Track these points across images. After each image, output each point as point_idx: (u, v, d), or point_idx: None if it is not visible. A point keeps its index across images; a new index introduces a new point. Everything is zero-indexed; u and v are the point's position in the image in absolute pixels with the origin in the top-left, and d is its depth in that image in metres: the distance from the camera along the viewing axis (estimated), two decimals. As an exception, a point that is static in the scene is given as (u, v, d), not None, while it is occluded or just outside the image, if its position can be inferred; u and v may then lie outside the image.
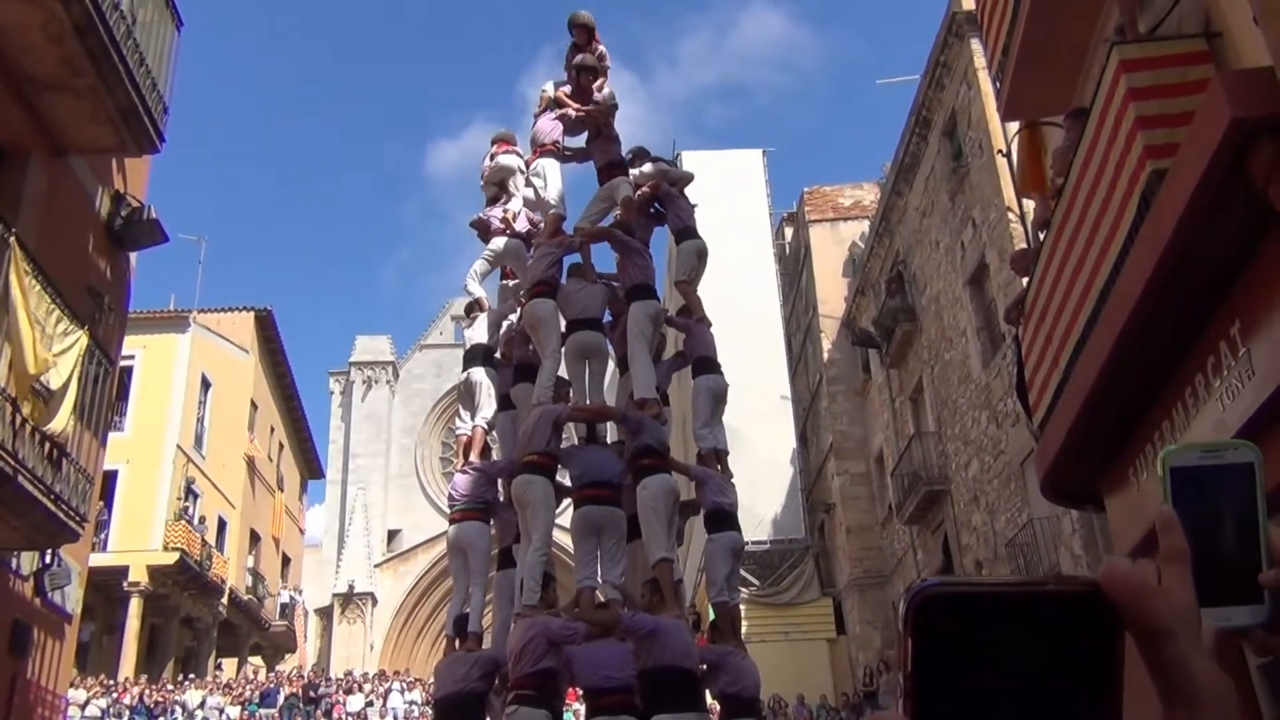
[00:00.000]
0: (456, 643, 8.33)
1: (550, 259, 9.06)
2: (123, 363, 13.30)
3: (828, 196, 28.05)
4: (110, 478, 22.97)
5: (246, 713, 23.55)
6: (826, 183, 28.44)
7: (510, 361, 9.70)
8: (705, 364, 9.21)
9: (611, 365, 9.44)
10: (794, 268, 29.93)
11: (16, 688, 9.14)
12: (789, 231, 30.91)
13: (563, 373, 8.82)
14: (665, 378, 9.44)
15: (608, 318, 9.44)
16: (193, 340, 28.03)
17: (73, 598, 10.27)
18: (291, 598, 34.86)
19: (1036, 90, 8.16)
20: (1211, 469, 0.78)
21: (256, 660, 32.92)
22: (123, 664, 24.88)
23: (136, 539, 25.02)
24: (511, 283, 10.20)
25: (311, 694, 24.60)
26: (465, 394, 9.64)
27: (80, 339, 8.76)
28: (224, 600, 28.82)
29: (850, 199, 27.84)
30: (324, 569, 41.64)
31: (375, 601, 40.35)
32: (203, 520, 27.54)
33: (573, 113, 10.01)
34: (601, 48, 10.47)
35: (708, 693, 7.92)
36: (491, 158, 10.51)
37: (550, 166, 9.79)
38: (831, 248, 27.46)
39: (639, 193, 9.69)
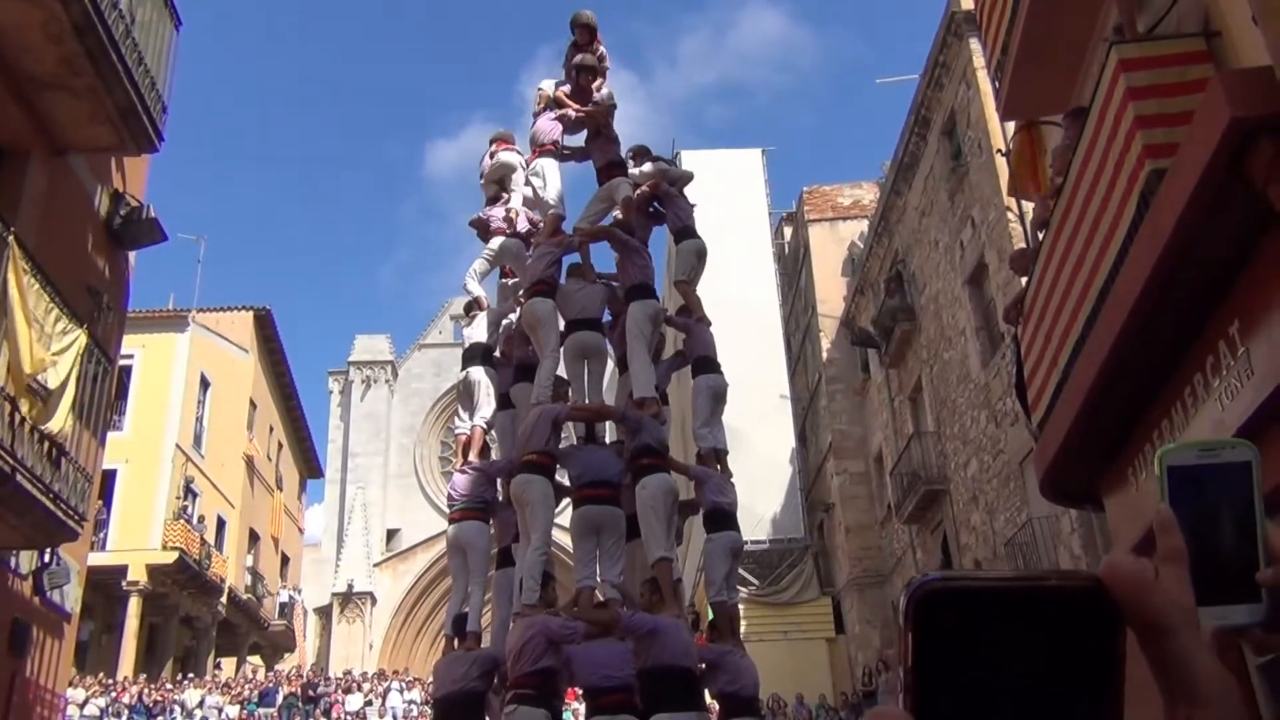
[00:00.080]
0: (455, 642, 8.32)
1: (550, 258, 9.06)
2: (122, 362, 13.29)
3: (827, 196, 28.05)
4: (109, 477, 22.95)
5: (245, 712, 23.54)
6: (826, 182, 28.49)
7: (510, 360, 9.70)
8: (705, 363, 9.21)
9: (611, 365, 9.44)
10: (793, 267, 29.93)
11: (15, 687, 9.14)
12: (788, 231, 30.91)
13: (562, 372, 8.82)
14: (664, 377, 9.44)
15: (607, 317, 9.44)
16: (192, 339, 28.02)
17: (72, 597, 10.26)
18: (291, 597, 34.86)
19: (1035, 89, 8.16)
20: (1209, 468, 0.78)
21: (255, 659, 32.91)
22: (122, 663, 24.87)
23: (135, 538, 25.02)
24: (511, 281, 10.20)
25: (310, 693, 24.59)
26: (464, 393, 9.64)
27: (79, 338, 8.75)
28: (223, 599, 28.82)
29: (849, 198, 27.84)
30: (323, 568, 41.65)
31: (374, 601, 40.35)
32: (202, 519, 27.53)
33: (572, 113, 10.01)
34: (602, 49, 10.48)
35: (707, 692, 7.93)
36: (491, 156, 10.50)
37: (550, 166, 9.79)
38: (831, 247, 27.46)
39: (638, 192, 9.69)
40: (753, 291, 27.26)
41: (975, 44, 16.46)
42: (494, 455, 9.69)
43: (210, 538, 27.79)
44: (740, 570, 10.17)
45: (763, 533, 25.12)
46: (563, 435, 8.60)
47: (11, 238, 7.86)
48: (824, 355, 26.83)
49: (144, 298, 34.31)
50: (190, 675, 25.78)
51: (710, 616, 8.54)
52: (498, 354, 9.85)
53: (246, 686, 25.08)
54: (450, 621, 8.56)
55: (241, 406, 30.84)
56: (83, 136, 9.39)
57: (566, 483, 8.42)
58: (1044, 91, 8.13)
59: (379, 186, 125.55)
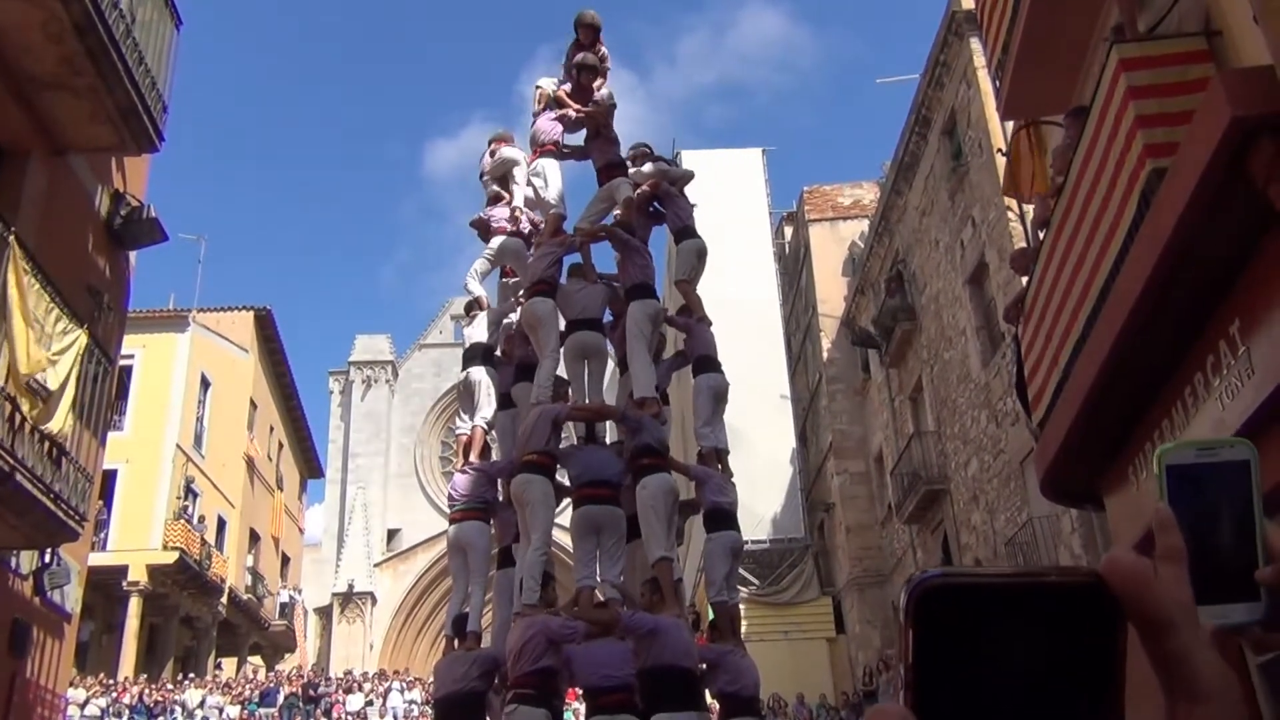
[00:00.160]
0: (456, 642, 8.32)
1: (551, 258, 9.05)
2: (122, 362, 13.29)
3: (827, 196, 28.05)
4: (110, 477, 22.95)
5: (246, 712, 23.54)
6: (826, 182, 28.48)
7: (511, 360, 9.69)
8: (706, 363, 9.21)
9: (611, 365, 9.44)
10: (794, 267, 29.92)
11: (16, 687, 9.14)
12: (789, 231, 30.90)
13: (562, 372, 8.82)
14: (665, 377, 9.43)
15: (608, 317, 9.43)
16: (192, 339, 28.02)
17: (72, 597, 10.26)
18: (291, 597, 34.86)
19: (1036, 89, 8.16)
20: (1207, 467, 0.78)
21: (256, 660, 32.92)
22: (122, 663, 24.87)
23: (136, 538, 25.02)
24: (511, 281, 10.19)
25: (311, 693, 24.59)
26: (465, 393, 9.63)
27: (79, 338, 8.75)
28: (223, 600, 28.82)
29: (850, 198, 27.83)
30: (323, 568, 41.65)
31: (375, 601, 40.34)
32: (202, 520, 27.53)
33: (573, 113, 10.00)
34: (604, 49, 10.47)
35: (707, 692, 7.93)
36: (492, 154, 10.49)
37: (550, 166, 9.78)
38: (831, 247, 27.46)
39: (638, 192, 9.69)
40: (753, 291, 27.26)
41: (976, 43, 16.46)
42: (494, 455, 9.69)
43: (210, 538, 27.79)
44: (740, 570, 10.16)
45: (763, 533, 25.12)
46: (563, 435, 8.60)
47: (12, 238, 7.86)
48: (824, 355, 26.83)
49: (144, 298, 34.37)
50: (191, 675, 25.78)
51: (711, 616, 8.54)
52: (498, 354, 9.84)
53: (247, 687, 25.09)
54: (451, 622, 8.56)
55: (242, 406, 30.84)
56: (83, 136, 9.39)
57: (567, 483, 8.42)
58: (1045, 91, 8.13)
59: (379, 186, 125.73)
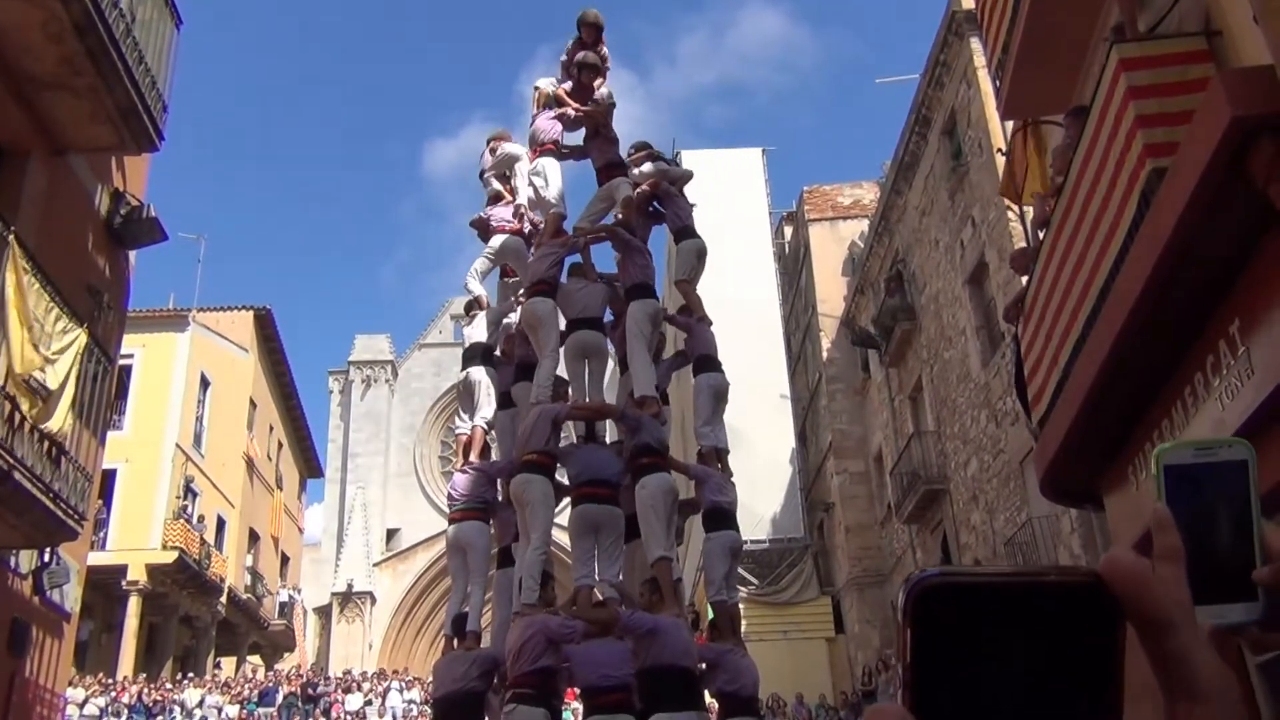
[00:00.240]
0: (455, 642, 8.32)
1: (552, 259, 9.04)
2: (122, 361, 13.29)
3: (827, 195, 28.04)
4: (109, 476, 22.93)
5: (245, 712, 23.54)
6: (826, 182, 28.48)
7: (511, 360, 9.68)
8: (706, 362, 9.21)
9: (612, 364, 9.43)
10: (793, 267, 29.92)
11: (15, 686, 9.14)
12: (788, 230, 30.90)
13: (562, 371, 8.81)
14: (665, 377, 9.43)
15: (608, 317, 9.43)
16: (192, 339, 28.01)
17: (71, 596, 10.26)
18: (290, 596, 34.86)
19: (1036, 89, 8.16)
20: (1206, 467, 0.78)
21: (255, 659, 32.91)
22: (121, 663, 24.87)
23: (135, 538, 25.02)
24: (511, 280, 10.19)
25: (310, 693, 24.59)
26: (464, 393, 9.63)
27: (79, 337, 8.75)
28: (223, 599, 28.81)
29: (850, 198, 27.83)
30: (323, 568, 41.65)
31: (374, 600, 40.35)
32: (201, 519, 27.53)
33: (572, 112, 9.98)
34: (605, 49, 10.46)
35: (706, 691, 7.92)
36: (492, 152, 10.47)
37: (550, 165, 9.77)
38: (831, 247, 27.45)
39: (638, 192, 9.68)
40: (753, 291, 27.26)
41: (976, 43, 16.46)
42: (494, 455, 9.68)
43: (210, 537, 27.79)
44: (740, 570, 10.17)
45: (763, 532, 25.11)
46: (563, 434, 8.60)
47: (11, 237, 7.86)
48: (824, 355, 26.83)
49: (144, 297, 34.39)
50: (190, 675, 25.77)
51: (710, 616, 8.54)
52: (498, 353, 9.84)
53: (246, 686, 25.08)
54: (450, 621, 8.55)
55: (241, 406, 30.83)
56: (83, 136, 9.39)
57: (566, 482, 8.42)
58: (1045, 91, 8.13)
59: (378, 186, 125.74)
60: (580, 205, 10.02)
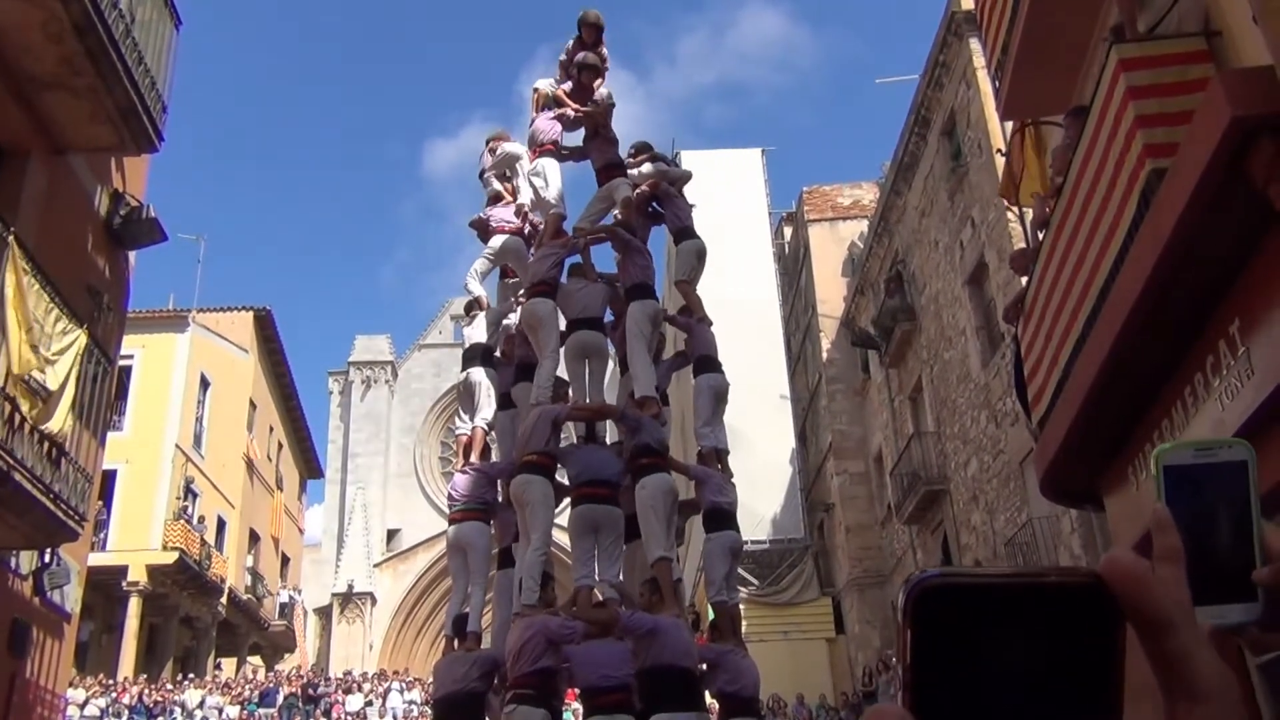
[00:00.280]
0: (455, 642, 8.32)
1: (553, 260, 9.04)
2: (122, 362, 13.29)
3: (827, 196, 28.05)
4: (109, 477, 22.93)
5: (245, 712, 23.54)
6: (826, 182, 28.48)
7: (511, 360, 9.68)
8: (706, 363, 9.21)
9: (612, 365, 9.43)
10: (793, 267, 29.92)
11: (15, 687, 9.14)
12: (788, 231, 30.90)
13: (562, 372, 8.81)
14: (665, 377, 9.43)
15: (609, 317, 9.42)
16: (192, 340, 28.01)
17: (72, 597, 10.26)
18: (291, 597, 34.85)
19: (1036, 89, 8.15)
20: (1205, 467, 0.78)
21: (256, 660, 32.91)
22: (122, 663, 24.87)
23: (135, 538, 25.01)
24: (511, 281, 10.19)
25: (311, 693, 24.59)
26: (464, 394, 9.63)
27: (79, 338, 8.75)
28: (223, 600, 28.81)
29: (849, 198, 27.83)
30: (323, 569, 41.64)
31: (374, 601, 40.34)
32: (202, 520, 27.53)
33: (571, 112, 9.98)
34: (604, 50, 10.45)
35: (706, 692, 7.92)
36: (492, 151, 10.47)
37: (550, 166, 9.77)
38: (831, 247, 27.46)
39: (637, 192, 9.68)
40: (753, 291, 27.26)
41: (975, 44, 16.46)
42: (494, 456, 9.68)
43: (210, 538, 27.79)
44: (740, 570, 10.16)
45: (763, 533, 25.11)
46: (563, 435, 8.60)
47: (11, 238, 7.86)
48: (824, 355, 26.83)
49: (144, 298, 34.39)
50: (190, 675, 25.78)
51: (711, 616, 8.54)
52: (498, 354, 9.83)
53: (247, 687, 25.09)
54: (450, 622, 8.55)
55: (241, 407, 30.83)
56: (83, 136, 9.39)
57: (566, 482, 8.42)
58: (1044, 91, 8.13)
59: (378, 186, 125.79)
60: (580, 206, 10.03)
